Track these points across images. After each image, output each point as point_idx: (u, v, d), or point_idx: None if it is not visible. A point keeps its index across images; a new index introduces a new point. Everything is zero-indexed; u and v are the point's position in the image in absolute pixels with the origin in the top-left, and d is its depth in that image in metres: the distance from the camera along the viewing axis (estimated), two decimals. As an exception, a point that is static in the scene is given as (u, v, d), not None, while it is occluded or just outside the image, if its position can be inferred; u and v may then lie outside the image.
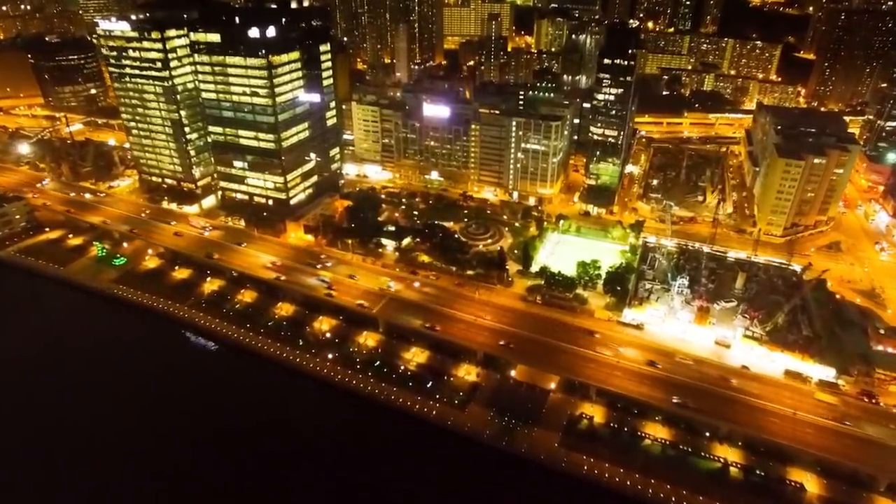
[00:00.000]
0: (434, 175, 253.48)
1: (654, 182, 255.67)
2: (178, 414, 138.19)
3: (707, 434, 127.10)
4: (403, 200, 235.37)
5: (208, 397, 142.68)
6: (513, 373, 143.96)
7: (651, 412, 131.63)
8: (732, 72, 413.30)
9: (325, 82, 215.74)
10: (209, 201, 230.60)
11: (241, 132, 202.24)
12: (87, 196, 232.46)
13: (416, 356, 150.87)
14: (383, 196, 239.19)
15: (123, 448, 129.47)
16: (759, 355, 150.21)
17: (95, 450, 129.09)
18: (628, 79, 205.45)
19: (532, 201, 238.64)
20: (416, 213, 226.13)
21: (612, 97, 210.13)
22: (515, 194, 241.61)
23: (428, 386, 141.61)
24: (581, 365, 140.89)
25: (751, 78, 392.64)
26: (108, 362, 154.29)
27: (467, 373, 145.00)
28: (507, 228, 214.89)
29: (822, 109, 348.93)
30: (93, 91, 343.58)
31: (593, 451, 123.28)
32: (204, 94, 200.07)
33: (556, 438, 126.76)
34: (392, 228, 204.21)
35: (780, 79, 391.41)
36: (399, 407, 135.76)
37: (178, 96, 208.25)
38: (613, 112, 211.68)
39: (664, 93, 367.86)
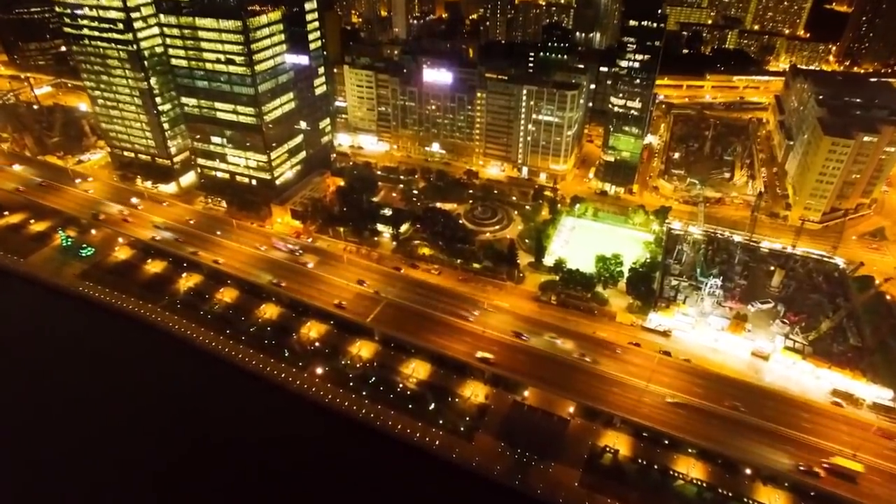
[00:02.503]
0: (435, 147, 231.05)
1: (676, 156, 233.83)
2: (144, 434, 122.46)
3: (748, 472, 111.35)
4: (401, 177, 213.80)
5: (181, 415, 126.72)
6: (526, 393, 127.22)
7: (684, 444, 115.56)
8: (756, 27, 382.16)
9: (313, 45, 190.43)
10: (188, 178, 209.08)
11: (217, 104, 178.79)
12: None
13: (416, 371, 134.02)
14: (379, 172, 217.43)
15: (78, 472, 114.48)
16: (802, 370, 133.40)
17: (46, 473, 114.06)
18: (656, 44, 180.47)
19: (543, 178, 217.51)
20: (415, 191, 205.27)
21: (636, 64, 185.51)
22: (525, 170, 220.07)
23: (430, 408, 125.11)
24: (605, 390, 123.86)
25: (777, 34, 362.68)
26: (69, 373, 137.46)
27: (474, 393, 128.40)
28: (516, 212, 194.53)
29: (861, 72, 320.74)
30: (63, 48, 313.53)
31: (618, 494, 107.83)
32: (174, 62, 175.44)
33: (575, 476, 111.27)
34: (389, 212, 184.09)
35: (808, 35, 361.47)
36: (397, 435, 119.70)
37: (146, 62, 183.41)
38: (638, 81, 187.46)
39: (684, 51, 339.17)
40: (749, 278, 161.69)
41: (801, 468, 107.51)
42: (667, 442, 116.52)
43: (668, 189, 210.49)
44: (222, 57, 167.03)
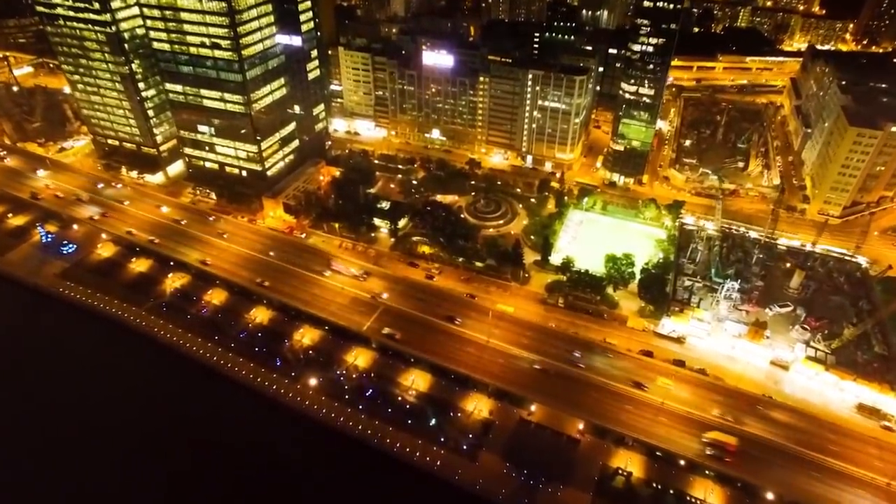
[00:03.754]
0: (435, 134, 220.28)
1: (687, 143, 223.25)
2: (124, 448, 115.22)
3: (770, 497, 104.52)
4: (400, 167, 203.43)
5: (164, 429, 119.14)
6: (532, 407, 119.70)
7: (701, 467, 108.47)
8: (770, 3, 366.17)
9: (305, 26, 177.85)
10: (176, 168, 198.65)
11: (203, 91, 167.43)
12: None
13: (415, 383, 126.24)
14: (377, 161, 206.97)
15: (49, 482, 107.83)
16: (825, 382, 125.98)
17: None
18: (672, 26, 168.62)
19: (548, 167, 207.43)
20: (414, 182, 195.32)
21: (650, 48, 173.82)
22: (529, 159, 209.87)
23: (431, 424, 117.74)
24: (617, 408, 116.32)
25: (791, 11, 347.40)
26: (49, 380, 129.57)
27: (477, 408, 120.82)
28: (521, 205, 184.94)
29: (880, 52, 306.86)
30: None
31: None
32: (156, 45, 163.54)
33: (585, 500, 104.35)
34: (386, 205, 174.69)
35: (824, 12, 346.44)
36: (396, 454, 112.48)
37: (126, 45, 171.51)
38: (651, 66, 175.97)
39: (694, 29, 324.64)
40: (766, 278, 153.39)
41: None
42: (682, 463, 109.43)
43: (680, 180, 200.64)
44: (207, 41, 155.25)
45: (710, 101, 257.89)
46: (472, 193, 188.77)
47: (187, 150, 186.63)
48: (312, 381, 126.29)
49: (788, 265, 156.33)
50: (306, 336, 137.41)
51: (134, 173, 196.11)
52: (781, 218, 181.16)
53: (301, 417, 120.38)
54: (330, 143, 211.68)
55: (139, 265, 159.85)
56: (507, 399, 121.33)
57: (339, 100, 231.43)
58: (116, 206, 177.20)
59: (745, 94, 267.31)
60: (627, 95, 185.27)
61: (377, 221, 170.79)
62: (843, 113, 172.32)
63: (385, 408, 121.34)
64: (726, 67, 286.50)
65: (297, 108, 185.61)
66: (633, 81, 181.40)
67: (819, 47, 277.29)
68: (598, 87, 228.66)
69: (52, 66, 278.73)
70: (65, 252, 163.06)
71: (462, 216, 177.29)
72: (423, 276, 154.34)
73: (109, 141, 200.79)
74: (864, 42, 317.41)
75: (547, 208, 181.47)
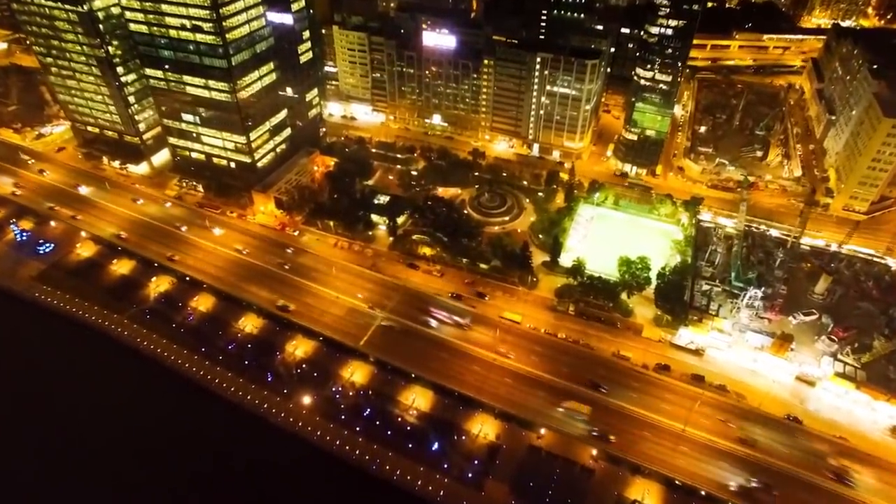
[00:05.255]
0: (436, 119, 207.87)
1: (702, 129, 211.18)
2: (111, 473, 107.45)
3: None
4: (399, 156, 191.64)
5: (146, 448, 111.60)
6: (542, 430, 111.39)
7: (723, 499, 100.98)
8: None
9: (296, 4, 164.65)
10: (161, 158, 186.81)
11: (186, 78, 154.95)
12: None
13: (416, 401, 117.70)
14: (374, 150, 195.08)
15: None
16: (855, 401, 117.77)
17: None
18: (695, 7, 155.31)
19: (556, 156, 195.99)
20: (414, 172, 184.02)
21: (669, 31, 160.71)
22: (536, 147, 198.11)
23: (433, 448, 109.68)
24: (636, 435, 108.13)
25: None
26: (23, 395, 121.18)
27: (483, 430, 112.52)
28: (527, 199, 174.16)
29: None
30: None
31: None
32: (132, 27, 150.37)
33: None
34: (385, 199, 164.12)
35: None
36: (397, 483, 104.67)
37: (102, 26, 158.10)
38: (670, 50, 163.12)
39: (708, 5, 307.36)
40: (788, 282, 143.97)
41: None
42: (704, 493, 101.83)
43: (695, 171, 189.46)
44: (187, 23, 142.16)
45: (726, 83, 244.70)
46: (476, 186, 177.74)
47: (172, 140, 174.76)
48: (306, 400, 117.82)
49: (808, 265, 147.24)
50: (299, 348, 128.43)
51: (117, 163, 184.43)
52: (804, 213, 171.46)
53: (294, 439, 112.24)
54: (324, 129, 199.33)
55: (121, 266, 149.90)
56: (514, 421, 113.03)
57: (334, 82, 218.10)
58: (95, 202, 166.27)
59: (763, 76, 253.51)
60: (643, 81, 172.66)
61: (375, 218, 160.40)
62: (875, 101, 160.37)
63: (384, 430, 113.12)
64: (742, 46, 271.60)
65: (288, 93, 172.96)
66: (649, 66, 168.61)
67: (845, 26, 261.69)
68: (608, 69, 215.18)
69: (28, 42, 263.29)
70: (41, 252, 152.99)
71: (465, 212, 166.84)
72: (425, 278, 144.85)
73: (89, 128, 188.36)
74: (889, 17, 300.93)
75: (555, 203, 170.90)
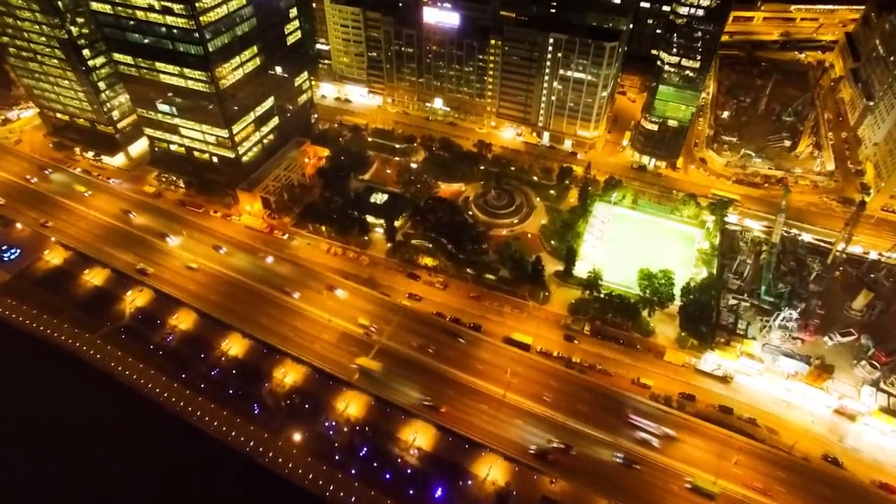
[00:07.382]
0: (438, 104, 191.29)
1: (725, 115, 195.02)
2: None
3: None
4: (397, 146, 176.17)
5: (126, 485, 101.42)
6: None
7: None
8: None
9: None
10: (139, 148, 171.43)
11: (158, 65, 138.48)
12: None
13: (417, 438, 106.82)
14: (370, 138, 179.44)
15: None
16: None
17: None
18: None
19: (568, 145, 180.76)
20: (414, 166, 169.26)
21: (700, 11, 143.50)
22: (546, 136, 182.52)
23: (437, 495, 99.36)
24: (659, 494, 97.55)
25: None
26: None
27: (491, 474, 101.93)
28: (537, 198, 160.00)
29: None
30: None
31: None
32: (94, 6, 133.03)
33: None
34: (382, 199, 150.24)
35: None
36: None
37: (61, 4, 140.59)
38: (699, 33, 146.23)
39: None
40: (824, 297, 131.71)
41: None
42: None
43: (719, 163, 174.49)
44: (156, 4, 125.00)
45: (750, 61, 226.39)
46: (482, 182, 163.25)
47: (148, 131, 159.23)
48: (296, 437, 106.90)
49: (838, 273, 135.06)
50: (288, 374, 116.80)
51: (90, 154, 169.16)
52: (836, 211, 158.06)
53: (284, 484, 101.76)
54: (316, 115, 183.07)
55: (94, 276, 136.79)
56: (525, 463, 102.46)
57: (326, 61, 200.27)
58: (62, 202, 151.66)
59: (789, 52, 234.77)
60: (667, 67, 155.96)
61: (371, 220, 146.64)
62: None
63: (382, 472, 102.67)
64: (767, 17, 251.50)
65: (275, 77, 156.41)
66: (675, 51, 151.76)
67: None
68: (625, 48, 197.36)
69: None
70: (6, 259, 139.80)
71: (470, 212, 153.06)
72: (427, 290, 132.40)
73: (58, 115, 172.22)
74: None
75: (568, 201, 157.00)
